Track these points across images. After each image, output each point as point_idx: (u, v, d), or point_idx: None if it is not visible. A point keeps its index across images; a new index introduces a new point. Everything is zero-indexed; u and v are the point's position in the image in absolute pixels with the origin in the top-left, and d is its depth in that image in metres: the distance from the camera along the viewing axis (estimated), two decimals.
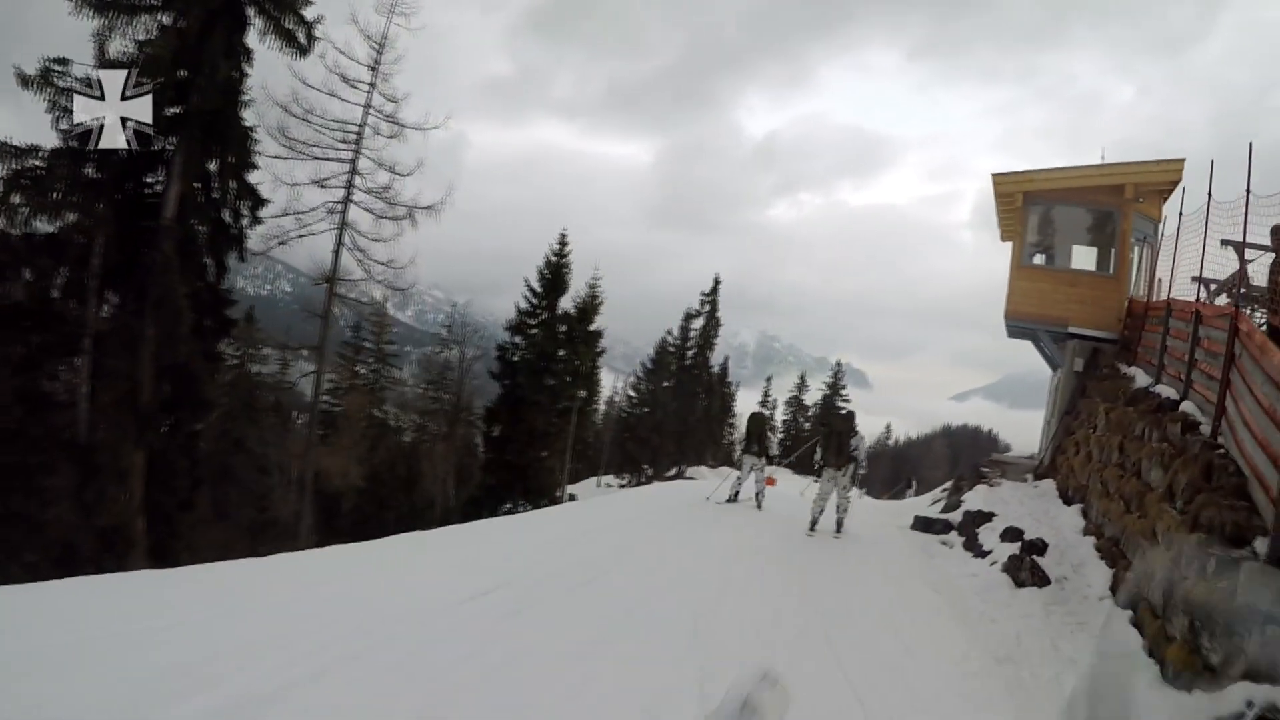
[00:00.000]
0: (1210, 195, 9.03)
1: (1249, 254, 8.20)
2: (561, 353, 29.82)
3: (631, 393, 45.01)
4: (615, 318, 46.24)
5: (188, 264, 18.10)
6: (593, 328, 31.22)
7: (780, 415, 77.74)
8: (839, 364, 69.56)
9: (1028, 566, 7.96)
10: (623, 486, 44.70)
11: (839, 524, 10.99)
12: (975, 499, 10.88)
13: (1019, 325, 14.80)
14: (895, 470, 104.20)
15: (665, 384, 49.10)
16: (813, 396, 71.84)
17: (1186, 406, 7.74)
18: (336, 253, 23.33)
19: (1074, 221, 15.27)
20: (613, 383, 67.89)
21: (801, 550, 9.94)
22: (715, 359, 57.74)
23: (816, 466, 11.68)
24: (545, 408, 29.28)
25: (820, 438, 12.15)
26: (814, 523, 10.97)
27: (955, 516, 10.74)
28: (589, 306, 31.05)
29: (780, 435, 50.37)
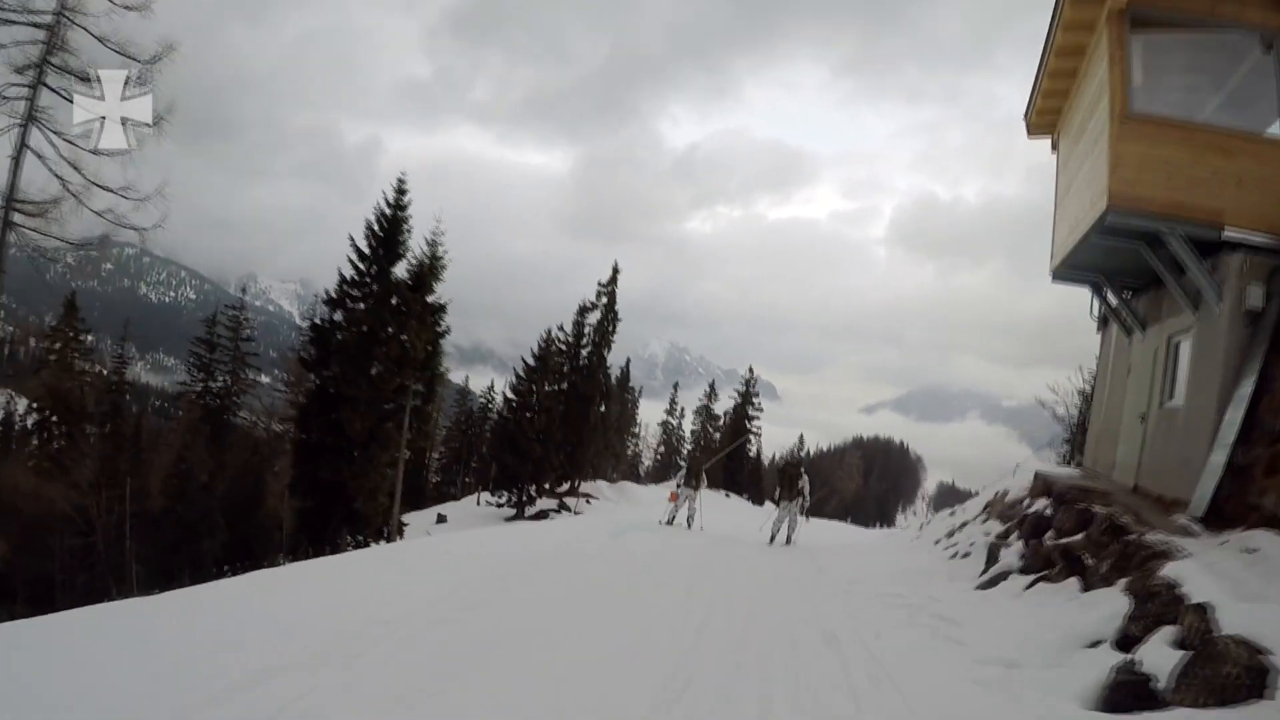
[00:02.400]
0: None
1: None
2: (392, 330, 21.84)
3: (510, 395, 37.14)
4: (528, 329, 39.19)
5: None
6: (432, 298, 23.32)
7: (689, 425, 72.25)
8: (751, 371, 63.44)
9: None
10: (499, 506, 37.00)
11: (789, 539, 14.20)
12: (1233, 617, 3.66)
13: (1132, 221, 7.79)
14: (810, 483, 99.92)
15: (559, 386, 41.70)
16: (723, 405, 66.37)
17: None
18: (17, 159, 15.42)
19: (1210, 53, 8.64)
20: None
21: None
22: (614, 360, 50.96)
23: (776, 499, 15.14)
24: (367, 406, 21.30)
25: (778, 477, 15.75)
26: (773, 537, 14.24)
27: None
28: (426, 271, 23.16)
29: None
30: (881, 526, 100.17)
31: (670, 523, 15.64)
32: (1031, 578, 6.56)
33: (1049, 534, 7.16)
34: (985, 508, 10.69)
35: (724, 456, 55.44)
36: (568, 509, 36.72)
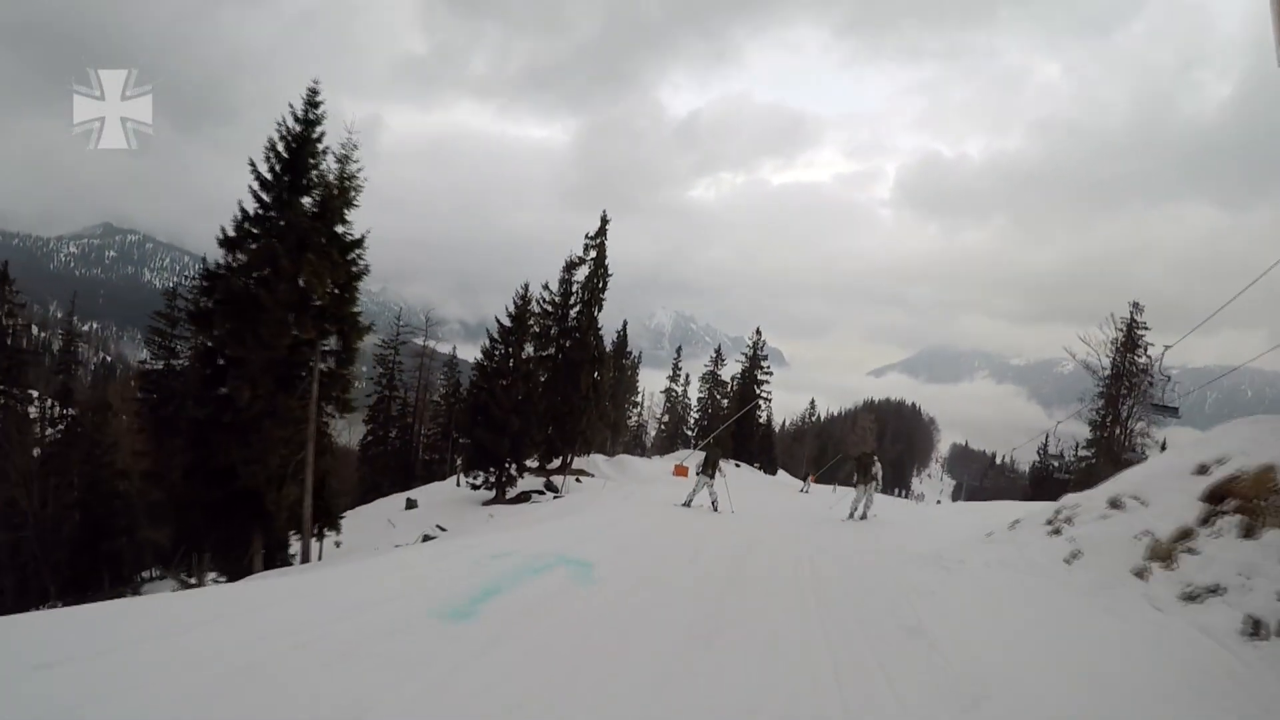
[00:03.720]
0: None
1: None
2: (284, 268, 16.65)
3: (482, 360, 32.15)
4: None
5: None
6: (343, 229, 17.99)
7: (695, 392, 67.57)
8: (758, 334, 59.06)
9: None
10: (475, 488, 32.23)
11: (864, 514, 16.64)
12: None
13: None
14: (821, 446, 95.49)
15: (545, 352, 36.88)
16: (730, 371, 61.85)
17: None
18: None
19: None
20: None
21: None
22: (610, 323, 46.15)
23: (854, 483, 17.65)
24: (261, 371, 16.31)
25: (854, 464, 19.06)
26: (851, 514, 16.85)
27: None
28: (333, 195, 17.91)
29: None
30: (900, 494, 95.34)
31: (688, 505, 17.02)
32: None
33: None
34: (1218, 498, 5.76)
35: (733, 424, 51.38)
36: (554, 490, 32.07)
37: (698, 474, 17.49)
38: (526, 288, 32.05)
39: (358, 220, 18.13)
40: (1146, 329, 43.29)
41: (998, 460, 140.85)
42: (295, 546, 19.19)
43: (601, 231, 38.61)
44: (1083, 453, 48.26)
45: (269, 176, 17.81)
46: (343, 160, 17.88)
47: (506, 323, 31.54)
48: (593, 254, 38.40)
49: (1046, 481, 61.62)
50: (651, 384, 73.27)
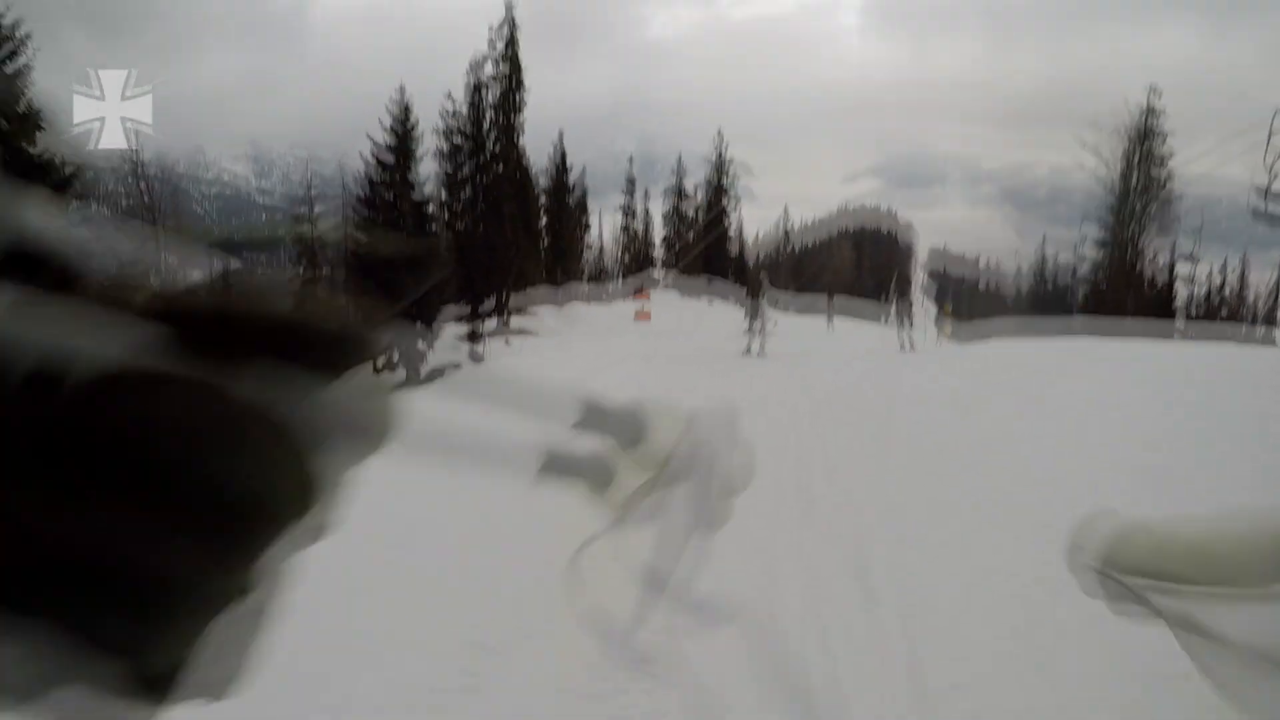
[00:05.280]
0: None
1: None
2: None
3: (362, 210, 23.28)
4: None
5: None
6: None
7: (659, 208, 58.34)
8: (720, 135, 50.93)
9: None
10: (376, 370, 24.78)
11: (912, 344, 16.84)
12: None
13: None
14: (799, 277, 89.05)
15: (461, 195, 28.47)
16: (696, 180, 53.07)
17: None
18: None
19: None
20: None
21: None
22: (540, 145, 36.68)
23: (895, 312, 18.30)
24: None
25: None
26: (901, 346, 16.72)
27: None
28: None
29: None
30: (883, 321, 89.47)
31: (749, 352, 15.32)
32: None
33: None
34: None
35: (705, 242, 44.68)
36: (477, 358, 24.94)
37: (745, 317, 15.63)
38: (405, 98, 23.02)
39: None
40: (1165, 135, 36.17)
41: (981, 264, 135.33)
42: None
43: (508, 20, 29.27)
44: (1087, 253, 41.13)
45: None
46: None
47: (388, 139, 22.79)
48: (501, 47, 29.17)
49: (1049, 299, 55.49)
50: (598, 213, 63.98)
